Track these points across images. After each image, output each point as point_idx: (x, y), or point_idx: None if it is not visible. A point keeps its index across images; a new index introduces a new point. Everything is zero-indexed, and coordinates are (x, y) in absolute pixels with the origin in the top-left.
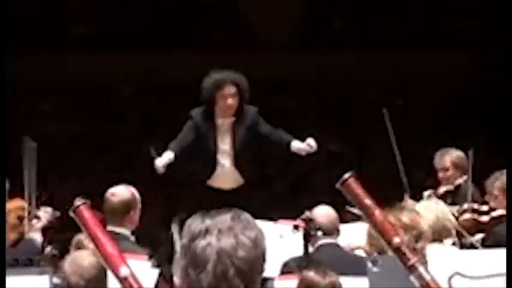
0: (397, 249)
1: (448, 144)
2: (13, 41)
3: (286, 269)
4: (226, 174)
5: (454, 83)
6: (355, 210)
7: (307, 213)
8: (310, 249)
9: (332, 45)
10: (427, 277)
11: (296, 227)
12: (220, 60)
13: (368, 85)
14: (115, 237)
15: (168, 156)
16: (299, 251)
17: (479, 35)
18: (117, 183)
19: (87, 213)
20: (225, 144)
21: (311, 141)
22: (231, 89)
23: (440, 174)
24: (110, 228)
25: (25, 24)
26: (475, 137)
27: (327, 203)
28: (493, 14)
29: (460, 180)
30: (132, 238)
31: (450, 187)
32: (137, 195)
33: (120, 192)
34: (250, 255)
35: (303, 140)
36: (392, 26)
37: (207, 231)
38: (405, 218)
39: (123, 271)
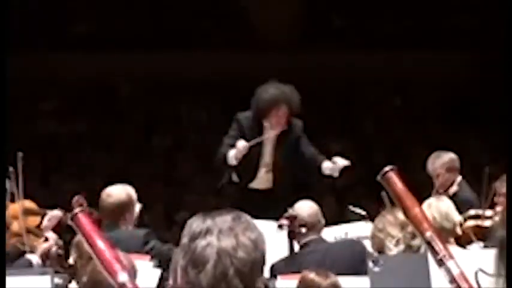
0: (428, 243)
1: (448, 145)
2: (13, 41)
3: (275, 273)
4: (261, 178)
5: (454, 83)
6: (358, 210)
7: (290, 211)
8: (296, 247)
9: (332, 45)
10: (455, 272)
11: (280, 226)
12: (221, 60)
13: (368, 85)
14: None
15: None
16: (284, 251)
17: (479, 35)
18: (117, 183)
19: (84, 220)
20: (266, 153)
21: (339, 160)
22: (284, 109)
23: (436, 181)
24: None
25: (25, 24)
26: (475, 137)
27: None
28: (493, 14)
29: (454, 188)
30: None
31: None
32: (134, 195)
33: (116, 194)
34: (250, 257)
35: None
36: (392, 26)
37: (207, 231)
38: (401, 215)
39: (121, 277)
